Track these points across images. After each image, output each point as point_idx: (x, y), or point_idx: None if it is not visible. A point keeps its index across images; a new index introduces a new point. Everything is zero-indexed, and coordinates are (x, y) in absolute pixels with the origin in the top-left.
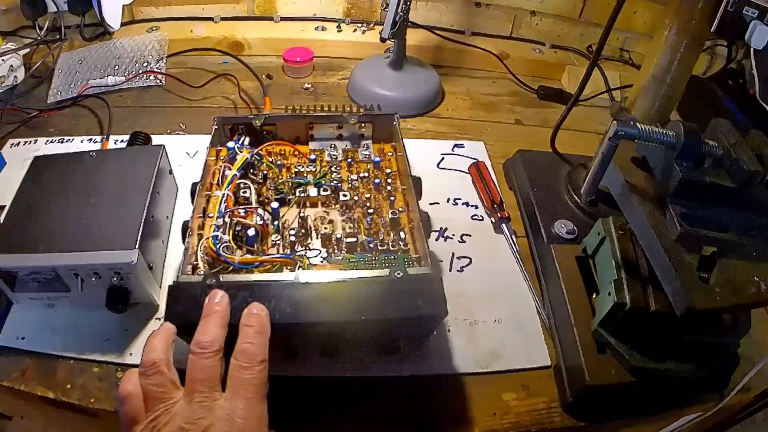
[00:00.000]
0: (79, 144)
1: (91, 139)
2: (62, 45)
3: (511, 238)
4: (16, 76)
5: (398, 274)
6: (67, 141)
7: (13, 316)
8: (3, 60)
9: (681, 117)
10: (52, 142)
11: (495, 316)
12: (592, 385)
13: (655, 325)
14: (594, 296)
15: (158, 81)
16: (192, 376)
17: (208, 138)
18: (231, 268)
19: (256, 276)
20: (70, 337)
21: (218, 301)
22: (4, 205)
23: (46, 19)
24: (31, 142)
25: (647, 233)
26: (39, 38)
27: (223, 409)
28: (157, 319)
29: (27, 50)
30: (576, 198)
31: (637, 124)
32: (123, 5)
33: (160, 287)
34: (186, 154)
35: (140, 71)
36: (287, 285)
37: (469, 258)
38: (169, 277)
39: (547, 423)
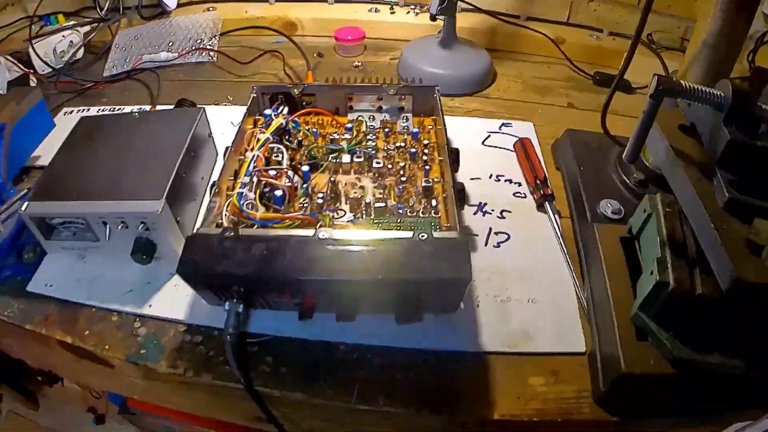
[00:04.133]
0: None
1: (140, 109)
2: (120, 22)
3: (554, 217)
4: (75, 52)
5: (423, 236)
6: (117, 110)
7: (45, 265)
8: (63, 36)
9: None
10: (102, 111)
11: (529, 296)
12: (627, 373)
13: (702, 312)
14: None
15: (210, 57)
16: None
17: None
18: (255, 226)
19: (275, 231)
20: (95, 287)
21: None
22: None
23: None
24: (83, 110)
25: (692, 201)
26: (99, 17)
27: None
28: None
29: (87, 28)
30: (625, 178)
31: (681, 81)
32: None
33: None
34: (231, 123)
35: (193, 48)
36: (305, 241)
37: (507, 234)
38: None
39: (575, 413)
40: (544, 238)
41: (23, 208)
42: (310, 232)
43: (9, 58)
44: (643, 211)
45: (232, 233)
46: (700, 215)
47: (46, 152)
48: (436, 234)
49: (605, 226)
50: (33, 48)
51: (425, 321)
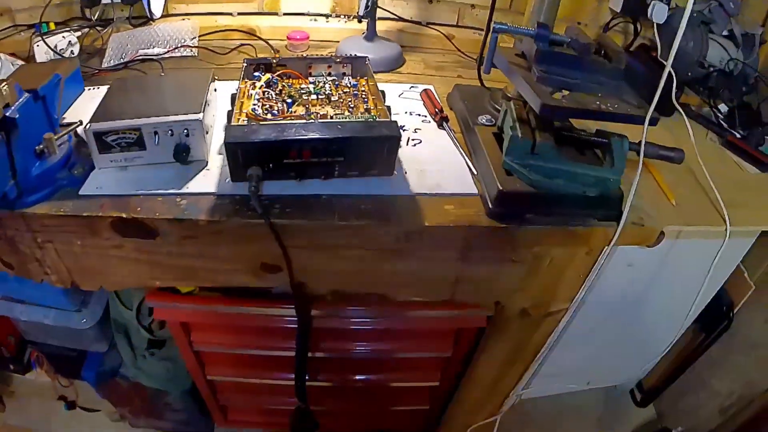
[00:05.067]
0: None
1: None
2: (113, 28)
3: (450, 130)
4: (72, 51)
5: (370, 120)
6: None
7: (93, 176)
8: (63, 37)
9: None
10: None
11: (439, 168)
12: (503, 190)
13: (542, 157)
14: None
15: (192, 52)
16: None
17: (236, 83)
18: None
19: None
20: (139, 184)
21: None
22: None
23: (96, 11)
24: (93, 88)
25: (521, 83)
26: (92, 22)
27: None
28: (206, 170)
29: (79, 33)
30: (496, 106)
31: (508, 23)
32: None
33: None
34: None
35: (179, 45)
36: (302, 123)
37: (420, 140)
38: (212, 162)
39: (476, 222)
40: (445, 143)
41: (86, 126)
42: (304, 120)
43: (8, 55)
44: (504, 111)
45: (254, 124)
46: (525, 86)
47: (71, 114)
48: (378, 120)
49: (483, 128)
50: (44, 41)
51: (375, 181)
